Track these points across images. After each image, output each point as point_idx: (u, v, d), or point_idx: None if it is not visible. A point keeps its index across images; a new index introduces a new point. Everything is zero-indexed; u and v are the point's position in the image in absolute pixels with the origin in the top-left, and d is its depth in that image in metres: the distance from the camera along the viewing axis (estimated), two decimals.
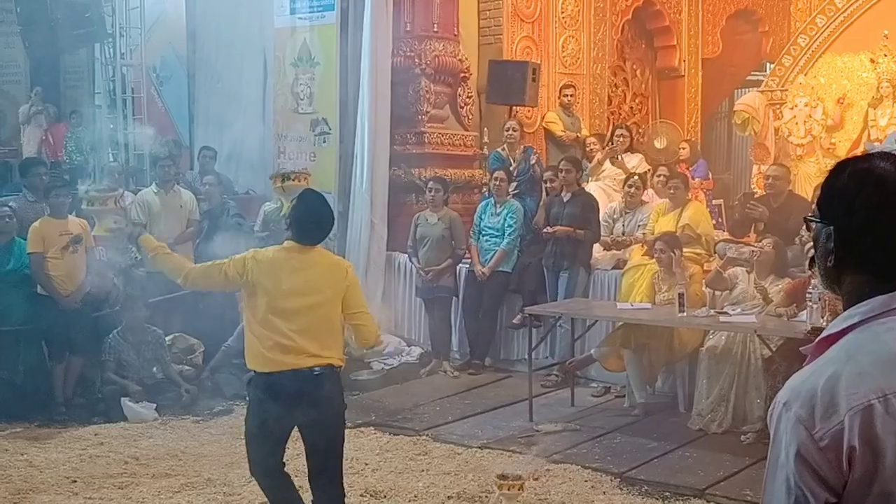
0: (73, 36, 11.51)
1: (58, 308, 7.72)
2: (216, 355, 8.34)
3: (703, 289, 7.57)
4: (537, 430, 7.13)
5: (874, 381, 1.55)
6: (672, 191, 8.31)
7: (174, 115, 12.31)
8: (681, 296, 6.98)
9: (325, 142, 10.00)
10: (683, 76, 12.77)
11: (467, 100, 10.40)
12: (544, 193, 9.11)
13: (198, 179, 10.05)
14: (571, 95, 10.89)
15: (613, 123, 11.37)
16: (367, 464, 6.45)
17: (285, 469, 4.76)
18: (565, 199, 8.59)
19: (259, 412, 4.61)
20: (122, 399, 7.64)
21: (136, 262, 8.42)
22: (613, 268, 8.59)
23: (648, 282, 7.78)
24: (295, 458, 5.00)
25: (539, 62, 10.59)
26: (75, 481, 6.13)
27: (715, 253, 8.11)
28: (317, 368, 4.50)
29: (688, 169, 10.43)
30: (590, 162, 9.95)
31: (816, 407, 1.54)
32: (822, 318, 6.25)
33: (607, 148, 10.03)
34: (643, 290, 7.81)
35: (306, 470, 4.68)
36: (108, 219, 4.97)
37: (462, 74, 10.30)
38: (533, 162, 9.51)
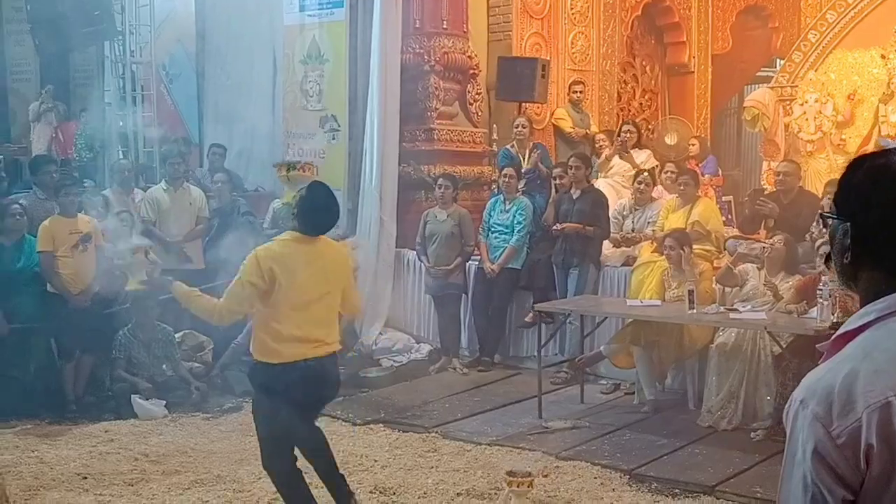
0: (82, 34, 11.50)
1: (68, 306, 7.75)
2: (226, 352, 8.36)
3: (713, 286, 7.55)
4: (547, 427, 7.13)
5: (891, 379, 1.53)
6: (682, 187, 8.29)
7: (183, 113, 12.32)
8: (691, 293, 6.96)
9: (334, 139, 10.00)
10: (693, 72, 12.74)
11: (476, 96, 10.39)
12: (553, 190, 9.10)
13: (207, 177, 10.06)
14: (581, 92, 10.87)
15: (622, 120, 11.34)
16: (376, 460, 6.45)
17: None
18: (575, 196, 8.58)
19: (273, 404, 4.65)
20: (133, 396, 7.66)
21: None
22: (623, 264, 8.57)
23: (658, 278, 7.77)
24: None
25: (548, 58, 10.58)
26: (86, 478, 6.14)
27: (725, 250, 8.09)
28: (328, 356, 4.67)
29: (697, 165, 10.40)
30: (598, 158, 9.93)
31: (833, 404, 1.53)
32: (833, 314, 6.24)
33: (615, 145, 10.01)
34: (653, 286, 7.80)
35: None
36: (139, 273, 4.99)
37: (471, 71, 10.29)
38: (535, 158, 9.43)
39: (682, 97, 12.75)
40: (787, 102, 10.28)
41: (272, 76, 10.77)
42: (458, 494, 5.79)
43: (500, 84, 10.18)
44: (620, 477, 6.12)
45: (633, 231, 8.64)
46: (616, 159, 9.92)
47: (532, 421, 7.29)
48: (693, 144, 10.96)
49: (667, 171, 9.14)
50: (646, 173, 8.92)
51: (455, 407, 7.74)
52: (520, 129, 9.56)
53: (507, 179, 8.97)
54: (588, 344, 8.20)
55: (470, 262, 9.11)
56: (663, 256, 7.73)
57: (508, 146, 9.66)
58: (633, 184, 8.95)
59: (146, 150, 11.67)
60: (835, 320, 6.13)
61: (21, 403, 7.50)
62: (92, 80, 12.27)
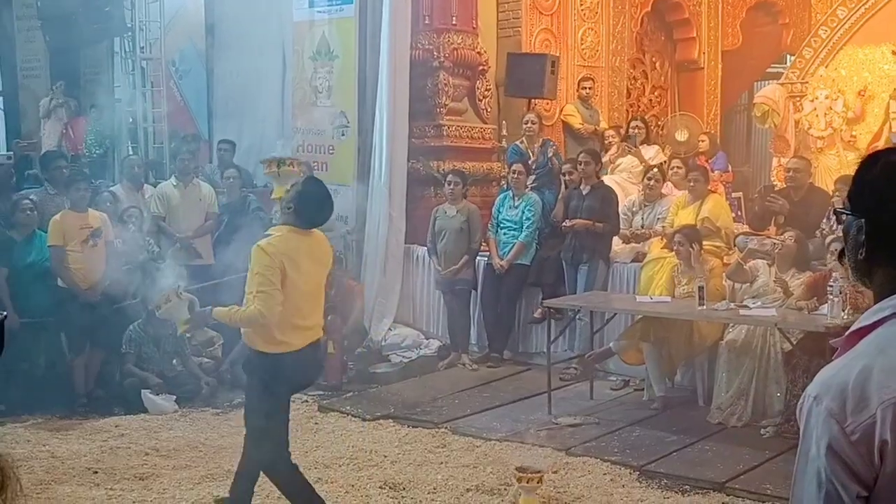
0: (92, 30, 11.54)
1: (78, 301, 7.77)
2: (235, 347, 8.35)
3: (723, 282, 7.54)
4: (556, 423, 7.13)
5: None
6: (692, 183, 8.27)
7: (193, 109, 12.35)
8: (700, 289, 6.96)
9: (343, 135, 10.00)
10: (703, 68, 12.70)
11: (486, 93, 10.39)
12: (563, 186, 9.09)
13: (217, 173, 10.08)
14: (590, 88, 10.84)
15: (631, 116, 11.33)
16: (385, 456, 6.47)
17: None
18: (584, 192, 8.57)
19: (274, 395, 4.78)
20: (143, 391, 7.69)
21: (155, 256, 8.47)
22: (633, 261, 8.56)
23: (668, 275, 7.75)
24: None
25: (558, 55, 10.55)
26: (97, 472, 6.17)
27: (734, 246, 8.07)
28: (317, 339, 4.93)
29: (707, 161, 10.38)
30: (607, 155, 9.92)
31: (847, 401, 1.53)
32: (843, 311, 6.23)
33: (620, 143, 10.00)
34: (662, 283, 7.79)
35: None
36: (182, 313, 5.03)
37: (480, 67, 10.29)
38: (550, 154, 9.49)
39: (691, 93, 12.71)
40: (798, 99, 10.24)
41: (281, 72, 10.77)
42: (468, 490, 5.80)
43: (510, 80, 10.17)
44: (630, 473, 6.12)
45: (642, 227, 8.63)
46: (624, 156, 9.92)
47: (542, 417, 7.29)
48: (703, 141, 10.93)
49: (673, 168, 9.13)
50: (655, 169, 8.90)
51: (464, 403, 7.75)
52: (529, 125, 9.55)
53: (516, 175, 8.97)
54: (597, 340, 8.19)
55: (479, 258, 9.11)
56: (673, 253, 7.71)
57: (518, 142, 9.65)
58: (643, 180, 8.94)
59: (156, 145, 11.71)
60: (845, 317, 6.11)
61: (32, 398, 7.53)
62: (102, 76, 12.31)
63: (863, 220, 1.67)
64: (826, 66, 10.17)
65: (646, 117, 11.14)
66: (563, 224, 8.59)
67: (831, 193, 7.86)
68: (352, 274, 9.51)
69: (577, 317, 8.26)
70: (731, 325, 7.14)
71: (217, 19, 11.73)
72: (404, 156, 9.72)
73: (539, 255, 8.90)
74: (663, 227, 8.34)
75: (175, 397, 7.75)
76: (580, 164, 8.62)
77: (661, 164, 9.50)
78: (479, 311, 9.18)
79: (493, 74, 10.51)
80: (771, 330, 6.89)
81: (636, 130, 10.06)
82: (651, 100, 12.56)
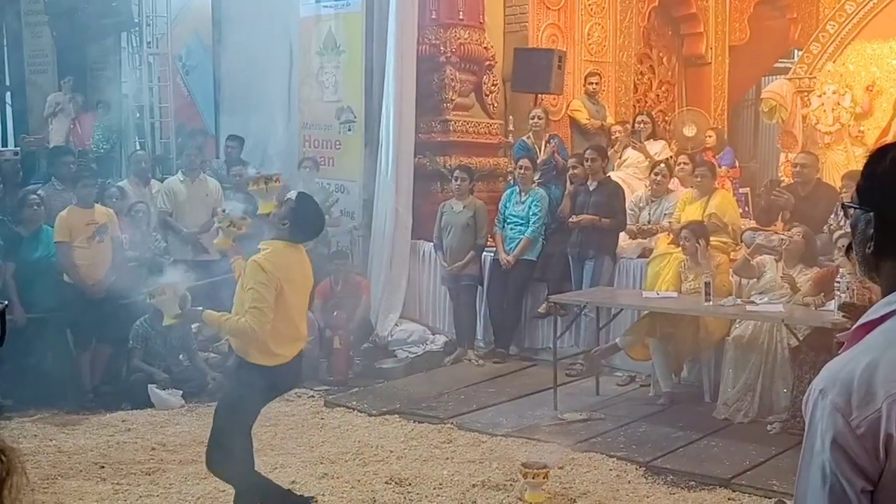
0: (99, 25, 11.55)
1: (84, 296, 7.78)
2: None
3: (730, 278, 7.53)
4: (562, 419, 7.12)
5: None
6: (699, 179, 8.26)
7: (200, 104, 12.35)
8: (707, 284, 6.95)
9: (350, 130, 10.00)
10: (710, 63, 12.66)
11: (492, 88, 10.37)
12: (568, 182, 9.07)
13: (224, 168, 10.08)
14: (597, 83, 10.82)
15: (638, 111, 11.30)
16: (391, 451, 6.47)
17: None
18: (591, 188, 8.56)
19: (254, 403, 4.89)
20: (149, 386, 7.70)
21: (162, 252, 8.48)
22: (639, 256, 8.55)
23: (674, 270, 7.74)
24: None
25: (565, 50, 10.53)
26: (103, 467, 6.18)
27: (741, 242, 8.06)
28: (304, 351, 5.05)
29: (714, 157, 10.36)
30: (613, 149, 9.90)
31: (853, 394, 1.52)
32: None
33: (623, 141, 9.98)
34: (669, 278, 7.77)
35: None
36: (172, 309, 5.09)
37: (487, 62, 10.27)
38: (551, 151, 9.42)
39: (698, 88, 12.68)
40: (805, 94, 10.21)
41: (288, 67, 10.77)
42: (474, 486, 5.80)
43: (516, 75, 10.15)
44: (636, 469, 6.12)
45: (649, 223, 8.62)
46: (629, 151, 9.90)
47: (547, 412, 7.29)
48: (710, 136, 10.91)
49: (679, 164, 9.11)
50: (663, 164, 8.88)
51: (470, 398, 7.75)
52: (536, 120, 9.54)
53: (522, 171, 8.96)
54: (603, 336, 8.18)
55: (485, 253, 9.10)
56: (679, 248, 7.70)
57: (524, 138, 9.64)
58: (649, 175, 8.92)
59: (163, 140, 11.72)
60: None
61: (39, 393, 7.55)
62: (109, 71, 12.31)
63: (871, 214, 1.65)
64: (834, 62, 10.14)
65: (653, 112, 11.12)
66: (570, 220, 8.58)
67: (839, 189, 7.84)
68: (358, 269, 9.52)
69: (584, 312, 8.25)
70: (738, 320, 7.13)
71: (224, 14, 11.74)
72: (411, 151, 9.72)
73: (545, 251, 8.89)
74: (670, 222, 8.33)
75: (181, 392, 7.76)
76: (587, 160, 8.61)
77: (668, 158, 9.48)
78: (485, 306, 9.18)
79: (500, 70, 10.50)
80: (778, 326, 6.88)
81: (642, 125, 10.05)
82: (658, 95, 12.53)
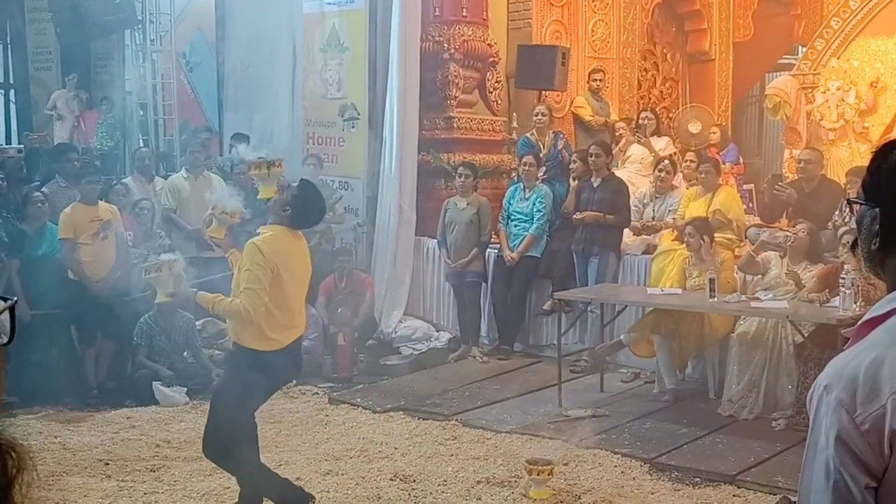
0: (103, 22, 11.56)
1: (88, 293, 7.79)
2: None
3: (735, 274, 7.52)
4: (566, 416, 7.12)
5: None
6: (703, 175, 8.25)
7: (203, 101, 12.36)
8: (712, 281, 6.94)
9: (353, 127, 10.00)
10: (714, 60, 12.63)
11: (496, 84, 10.37)
12: (572, 178, 9.07)
13: (228, 164, 10.08)
14: (600, 80, 10.80)
15: (641, 107, 11.29)
16: (396, 448, 6.47)
17: None
18: (595, 185, 8.55)
19: (249, 390, 4.85)
20: (154, 383, 7.70)
21: (166, 249, 8.47)
22: (643, 253, 8.55)
23: (679, 267, 7.73)
24: None
25: (568, 46, 10.52)
26: (108, 464, 6.19)
27: (746, 238, 8.05)
28: (299, 338, 5.00)
29: (718, 153, 10.35)
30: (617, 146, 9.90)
31: (858, 390, 1.51)
32: (855, 303, 6.20)
33: (631, 135, 9.97)
34: (673, 275, 7.77)
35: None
36: (166, 287, 5.09)
37: (491, 59, 10.27)
38: (560, 147, 9.47)
39: (702, 85, 12.65)
40: (810, 90, 10.18)
41: (292, 65, 10.77)
42: (478, 482, 5.80)
43: (520, 72, 10.14)
44: (641, 466, 6.11)
45: (653, 219, 8.61)
46: (633, 147, 9.89)
47: (552, 409, 7.29)
48: (714, 132, 10.90)
49: (686, 161, 9.10)
50: (667, 161, 8.87)
51: (475, 395, 7.75)
52: (539, 117, 9.53)
53: (526, 167, 8.95)
54: (608, 332, 8.18)
55: (489, 250, 9.10)
56: (684, 245, 7.69)
57: (528, 134, 9.63)
58: (654, 171, 8.92)
59: (166, 137, 11.72)
60: (857, 309, 6.09)
61: (43, 389, 7.55)
62: (112, 68, 12.33)
63: (877, 210, 1.65)
64: (838, 58, 10.12)
65: (657, 109, 11.10)
66: (574, 216, 8.58)
67: (843, 185, 7.83)
68: (362, 266, 9.52)
69: (588, 309, 8.24)
70: (743, 317, 7.12)
71: (227, 11, 11.73)
72: (414, 148, 9.72)
73: (549, 248, 8.89)
74: (674, 219, 8.32)
75: (186, 389, 7.76)
76: (591, 157, 8.60)
77: (672, 155, 9.47)
78: (489, 303, 9.18)
79: (504, 66, 10.49)
80: (782, 322, 6.87)
81: (646, 122, 10.04)
82: (662, 91, 12.51)
